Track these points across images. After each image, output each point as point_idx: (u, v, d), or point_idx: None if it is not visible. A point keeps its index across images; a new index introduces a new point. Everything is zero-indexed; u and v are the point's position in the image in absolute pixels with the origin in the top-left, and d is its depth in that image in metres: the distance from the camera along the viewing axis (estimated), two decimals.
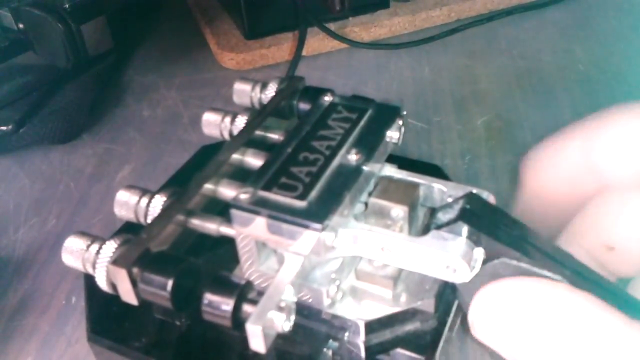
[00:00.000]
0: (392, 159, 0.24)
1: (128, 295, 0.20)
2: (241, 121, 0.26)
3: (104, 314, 0.25)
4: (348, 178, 0.22)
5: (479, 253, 0.20)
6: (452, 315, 0.23)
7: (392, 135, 0.24)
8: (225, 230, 0.22)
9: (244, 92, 0.28)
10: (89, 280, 0.25)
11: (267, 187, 0.21)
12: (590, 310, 0.17)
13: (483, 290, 0.19)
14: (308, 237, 0.20)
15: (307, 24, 0.52)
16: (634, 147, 0.20)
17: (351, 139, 0.23)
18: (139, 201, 0.22)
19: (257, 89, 0.27)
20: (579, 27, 0.56)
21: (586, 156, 0.21)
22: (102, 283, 0.21)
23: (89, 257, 0.21)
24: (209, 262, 0.22)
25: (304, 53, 0.52)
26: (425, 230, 0.21)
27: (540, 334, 0.17)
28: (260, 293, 0.19)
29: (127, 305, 0.20)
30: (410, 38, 0.55)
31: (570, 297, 0.17)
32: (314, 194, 0.21)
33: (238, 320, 0.19)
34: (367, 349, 0.22)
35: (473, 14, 0.58)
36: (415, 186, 0.23)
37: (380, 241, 0.21)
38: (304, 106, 0.26)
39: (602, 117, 0.21)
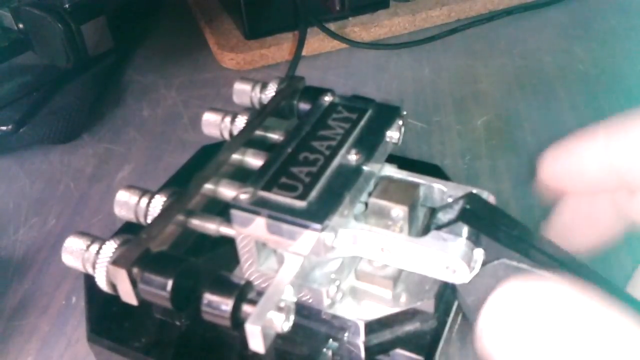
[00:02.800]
0: (392, 159, 0.24)
1: (128, 295, 0.20)
2: (241, 121, 0.26)
3: (104, 314, 0.25)
4: (348, 178, 0.22)
5: (479, 254, 0.20)
6: (451, 315, 0.23)
7: (392, 135, 0.24)
8: (225, 230, 0.22)
9: (244, 92, 0.28)
10: (89, 280, 0.25)
11: (267, 187, 0.21)
12: (606, 313, 0.16)
13: (490, 299, 0.18)
14: (308, 237, 0.20)
15: (307, 24, 0.52)
16: None
17: (351, 139, 0.23)
18: (139, 201, 0.22)
19: (257, 89, 0.27)
20: (579, 27, 0.56)
21: (608, 156, 0.21)
22: (102, 283, 0.21)
23: (89, 257, 0.21)
24: (209, 262, 0.22)
25: (304, 53, 0.52)
26: (425, 230, 0.21)
27: (554, 341, 0.16)
28: (260, 293, 0.19)
29: (127, 306, 0.20)
30: (410, 38, 0.55)
31: (584, 299, 0.16)
32: (314, 194, 0.21)
33: (237, 320, 0.19)
34: (366, 349, 0.22)
35: (473, 14, 0.58)
36: (415, 186, 0.23)
37: (380, 241, 0.21)
38: (304, 106, 0.26)
39: (626, 118, 0.21)
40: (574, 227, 0.23)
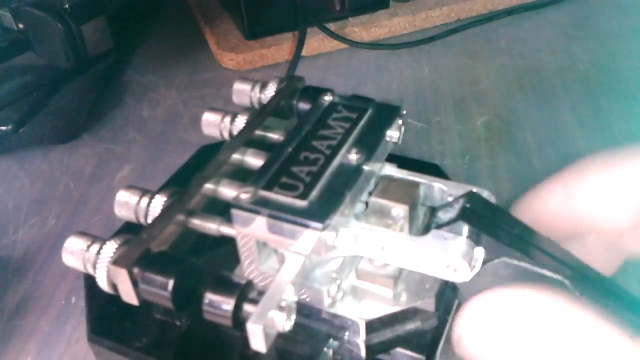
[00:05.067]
0: (392, 158, 0.24)
1: (129, 295, 0.20)
2: (241, 121, 0.26)
3: (104, 314, 0.25)
4: (349, 177, 0.22)
5: (480, 252, 0.20)
6: (452, 314, 0.23)
7: (392, 134, 0.24)
8: (226, 230, 0.22)
9: (243, 92, 0.28)
10: (89, 280, 0.25)
11: (268, 187, 0.21)
12: (589, 324, 0.16)
13: (471, 304, 0.18)
14: (309, 237, 0.20)
15: (307, 24, 0.52)
16: (611, 193, 0.22)
17: (351, 138, 0.23)
18: (139, 201, 0.22)
19: (257, 89, 0.27)
20: (579, 27, 0.56)
21: (568, 204, 0.23)
22: (103, 283, 0.21)
23: (90, 258, 0.21)
24: (210, 262, 0.22)
25: (304, 53, 0.52)
26: (426, 229, 0.21)
27: (536, 350, 0.16)
28: (261, 293, 0.19)
29: (128, 306, 0.20)
30: (410, 38, 0.55)
31: (567, 310, 0.16)
32: (314, 193, 0.21)
33: (239, 319, 0.19)
34: (367, 348, 0.22)
35: (473, 14, 0.58)
36: (415, 185, 0.23)
37: (381, 240, 0.21)
38: (303, 106, 0.26)
39: (581, 167, 0.23)
40: None
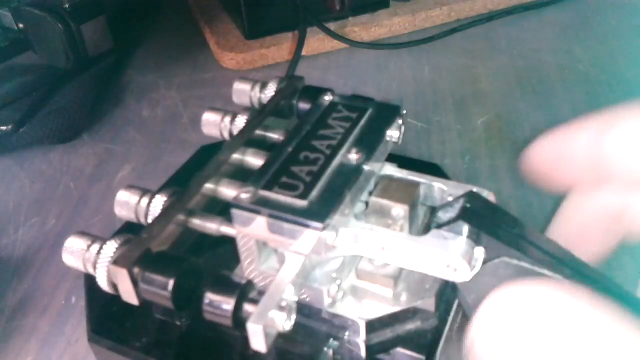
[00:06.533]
0: (392, 158, 0.24)
1: (129, 295, 0.20)
2: (241, 121, 0.26)
3: (105, 314, 0.25)
4: (349, 177, 0.22)
5: (480, 252, 0.20)
6: (452, 314, 0.23)
7: (393, 134, 0.24)
8: (226, 230, 0.22)
9: (243, 92, 0.28)
10: (90, 280, 0.25)
11: (268, 187, 0.21)
12: (611, 322, 0.15)
13: (484, 306, 0.17)
14: (309, 237, 0.20)
15: (307, 24, 0.52)
16: None
17: (352, 138, 0.23)
18: (139, 201, 0.22)
19: (257, 89, 0.27)
20: (579, 27, 0.56)
21: (597, 147, 0.21)
22: (103, 283, 0.21)
23: (90, 258, 0.21)
24: (210, 262, 0.22)
25: (304, 53, 0.52)
26: (426, 229, 0.21)
27: (554, 348, 0.16)
28: (261, 293, 0.19)
29: (128, 306, 0.20)
30: (410, 38, 0.55)
31: (590, 309, 0.16)
32: (315, 193, 0.21)
33: (239, 319, 0.19)
34: (367, 348, 0.22)
35: (473, 14, 0.58)
36: (415, 185, 0.23)
37: (381, 240, 0.21)
38: (303, 106, 0.26)
39: (617, 111, 0.21)
40: (570, 239, 0.23)
